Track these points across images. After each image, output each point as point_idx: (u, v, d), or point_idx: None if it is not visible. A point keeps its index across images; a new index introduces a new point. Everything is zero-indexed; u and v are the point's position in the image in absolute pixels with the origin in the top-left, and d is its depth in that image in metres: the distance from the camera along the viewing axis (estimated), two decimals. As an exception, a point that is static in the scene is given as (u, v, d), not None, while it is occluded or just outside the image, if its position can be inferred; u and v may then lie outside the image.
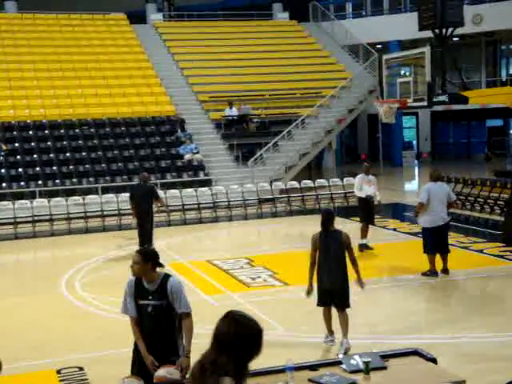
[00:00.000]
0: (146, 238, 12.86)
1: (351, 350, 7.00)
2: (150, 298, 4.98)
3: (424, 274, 10.53)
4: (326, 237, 7.10)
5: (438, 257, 10.56)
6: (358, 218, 13.33)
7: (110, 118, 22.14)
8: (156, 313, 4.96)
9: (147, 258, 4.98)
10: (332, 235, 7.10)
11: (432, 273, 10.48)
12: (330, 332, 7.37)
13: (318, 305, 7.31)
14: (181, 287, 5.02)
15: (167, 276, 5.06)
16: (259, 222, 17.76)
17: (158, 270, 5.07)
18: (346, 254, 7.15)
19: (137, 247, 12.74)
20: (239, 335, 2.97)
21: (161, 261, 5.14)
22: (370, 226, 12.90)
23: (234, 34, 28.84)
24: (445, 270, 10.55)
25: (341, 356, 5.10)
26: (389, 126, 26.41)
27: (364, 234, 12.67)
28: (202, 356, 3.01)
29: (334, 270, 7.04)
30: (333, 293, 7.13)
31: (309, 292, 7.17)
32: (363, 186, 12.58)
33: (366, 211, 12.72)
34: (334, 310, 7.34)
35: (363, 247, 12.56)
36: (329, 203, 18.94)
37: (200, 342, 8.10)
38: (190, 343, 4.94)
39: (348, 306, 7.19)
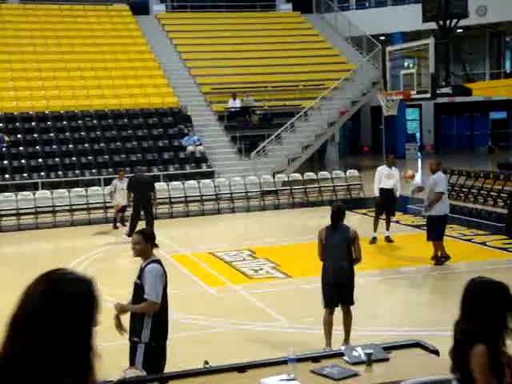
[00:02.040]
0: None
1: (353, 341, 7.00)
2: (137, 275, 5.33)
3: (438, 263, 10.54)
4: (332, 232, 6.99)
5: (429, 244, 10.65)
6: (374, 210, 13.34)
7: (112, 110, 22.12)
8: (135, 290, 5.34)
9: (147, 237, 5.32)
10: (339, 230, 6.99)
11: (445, 257, 10.51)
12: (329, 346, 6.92)
13: (325, 306, 7.03)
14: (152, 274, 5.16)
15: (153, 261, 5.27)
16: (262, 214, 17.75)
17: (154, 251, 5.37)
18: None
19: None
20: (474, 295, 2.86)
21: (164, 252, 5.20)
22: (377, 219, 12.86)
23: (236, 26, 28.74)
24: (436, 257, 10.64)
25: (343, 348, 5.10)
26: (392, 119, 26.37)
27: (375, 226, 12.65)
28: (453, 331, 2.95)
29: (341, 266, 6.91)
30: (339, 288, 6.95)
31: None
32: (382, 179, 12.59)
33: (380, 203, 12.69)
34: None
35: (386, 239, 12.68)
36: (331, 196, 18.94)
37: (203, 333, 8.12)
38: (131, 308, 5.27)
39: (353, 302, 7.03)
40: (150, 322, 5.19)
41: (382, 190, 12.59)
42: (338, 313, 7.11)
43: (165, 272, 5.29)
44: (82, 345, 1.64)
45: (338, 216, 7.01)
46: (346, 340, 7.03)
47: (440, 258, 10.54)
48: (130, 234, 13.63)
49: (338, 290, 6.96)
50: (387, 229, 12.75)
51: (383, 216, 12.78)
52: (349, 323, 7.01)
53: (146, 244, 5.25)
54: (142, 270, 5.24)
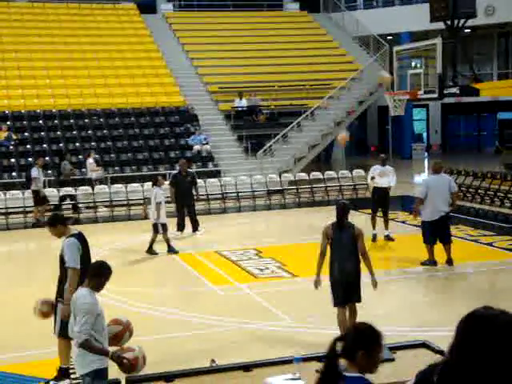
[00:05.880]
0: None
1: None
2: (61, 249, 6.24)
3: (423, 263, 10.57)
4: (338, 229, 7.01)
5: (440, 248, 10.57)
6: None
7: (119, 108, 22.17)
8: (59, 261, 6.27)
9: (52, 222, 6.29)
10: (345, 228, 7.02)
11: (430, 262, 10.49)
12: None
13: (335, 305, 7.08)
14: (68, 246, 6.08)
15: (71, 235, 6.18)
16: (268, 213, 17.76)
17: (71, 227, 6.33)
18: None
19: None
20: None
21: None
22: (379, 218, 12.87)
23: (244, 25, 28.75)
24: (448, 261, 10.50)
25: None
26: (399, 118, 26.32)
27: (373, 224, 12.68)
28: None
29: (347, 263, 6.94)
30: (346, 286, 6.97)
31: (317, 284, 7.05)
32: (375, 176, 12.58)
33: (374, 202, 12.73)
34: None
35: (386, 237, 12.73)
36: (337, 195, 18.92)
37: (209, 331, 8.12)
38: (69, 293, 5.70)
39: (359, 300, 7.06)
40: None
41: (375, 189, 12.60)
42: (334, 313, 7.10)
43: (83, 242, 6.17)
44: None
45: (344, 214, 7.06)
46: None
47: (425, 261, 10.55)
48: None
49: (345, 289, 6.98)
50: (386, 228, 12.76)
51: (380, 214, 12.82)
52: (354, 321, 6.99)
53: (55, 228, 6.22)
54: (62, 245, 6.21)
